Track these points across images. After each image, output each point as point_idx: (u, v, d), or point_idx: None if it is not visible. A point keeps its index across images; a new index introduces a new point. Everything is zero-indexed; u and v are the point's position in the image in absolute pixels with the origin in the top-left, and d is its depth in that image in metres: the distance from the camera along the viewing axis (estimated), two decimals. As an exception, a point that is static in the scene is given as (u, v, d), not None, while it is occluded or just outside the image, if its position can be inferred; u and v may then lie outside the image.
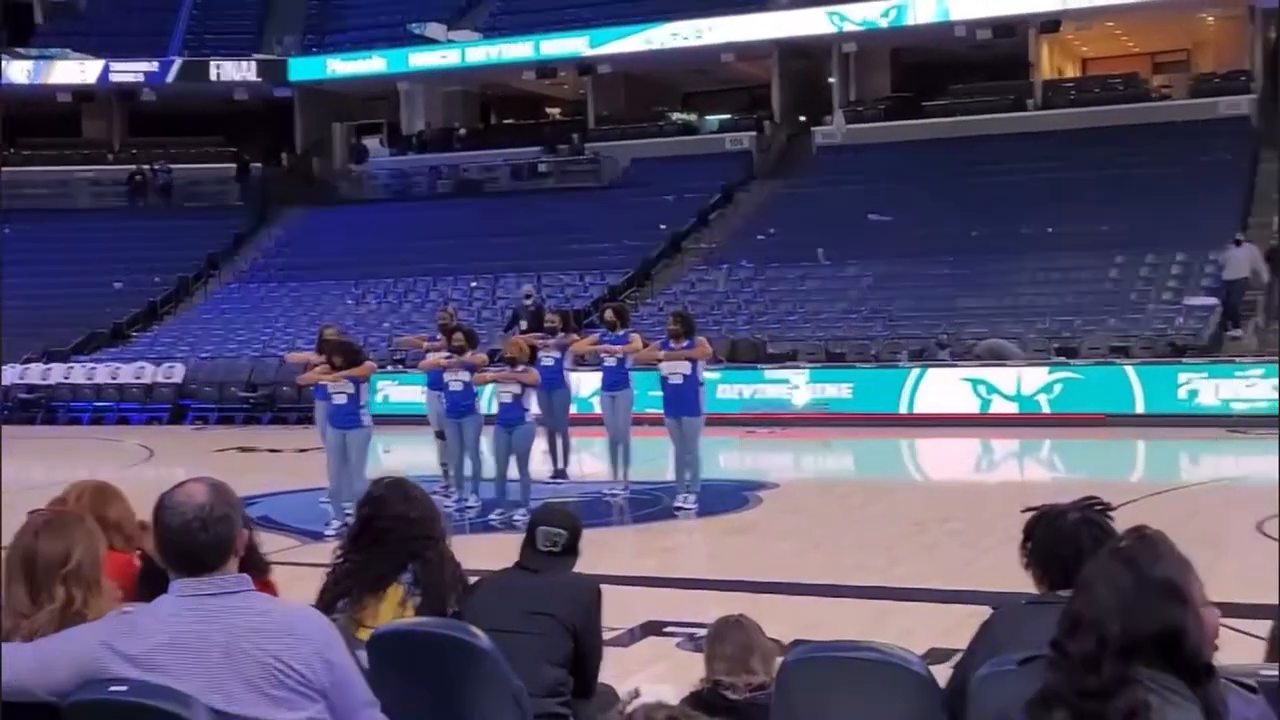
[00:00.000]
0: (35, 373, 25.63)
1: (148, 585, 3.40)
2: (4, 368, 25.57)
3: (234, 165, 35.04)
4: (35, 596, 2.99)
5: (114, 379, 24.92)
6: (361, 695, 3.02)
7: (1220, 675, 2.33)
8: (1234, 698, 2.31)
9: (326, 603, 4.14)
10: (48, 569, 3.00)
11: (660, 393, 12.21)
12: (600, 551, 10.07)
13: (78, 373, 25.45)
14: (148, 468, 17.50)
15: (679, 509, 11.90)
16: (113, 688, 2.84)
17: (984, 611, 3.71)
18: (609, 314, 13.94)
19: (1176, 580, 2.34)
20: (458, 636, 3.81)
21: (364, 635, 3.99)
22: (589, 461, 14.74)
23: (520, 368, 11.61)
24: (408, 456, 17.86)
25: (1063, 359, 20.03)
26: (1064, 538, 3.14)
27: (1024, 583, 3.30)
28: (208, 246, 32.42)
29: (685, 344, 11.95)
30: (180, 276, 31.27)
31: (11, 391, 25.07)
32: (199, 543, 2.86)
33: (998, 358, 19.90)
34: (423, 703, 3.79)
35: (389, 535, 4.25)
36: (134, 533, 3.95)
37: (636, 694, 4.58)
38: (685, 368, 11.86)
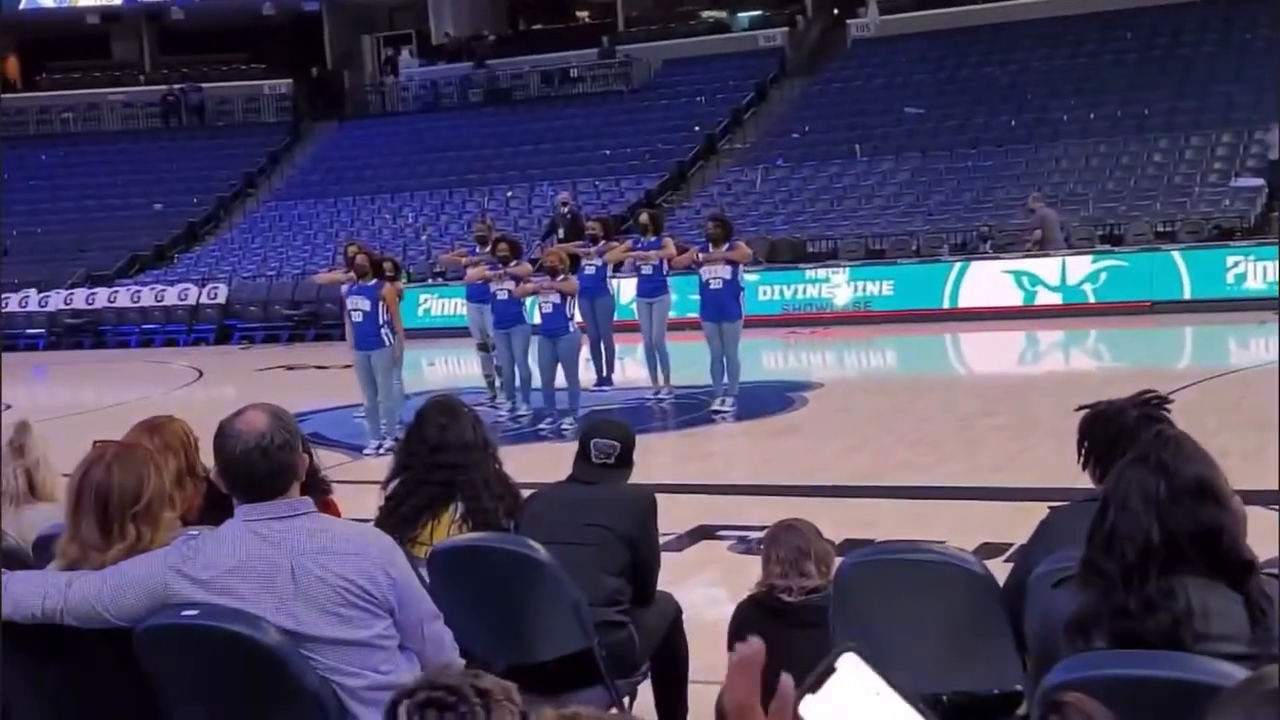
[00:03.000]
0: (80, 297, 25.84)
1: (212, 510, 3.45)
2: (50, 293, 25.85)
3: (264, 83, 34.90)
4: (107, 532, 3.04)
5: (159, 301, 25.10)
6: (426, 608, 3.08)
7: (1260, 569, 2.32)
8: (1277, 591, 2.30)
9: (385, 525, 4.19)
10: (120, 506, 3.04)
11: (698, 297, 12.19)
12: (647, 457, 10.10)
13: (123, 296, 25.63)
14: (197, 388, 17.69)
15: (716, 413, 11.92)
16: (185, 612, 2.90)
17: (1032, 507, 3.73)
18: (643, 218, 13.87)
19: (1208, 478, 2.32)
20: (515, 550, 3.87)
21: (422, 553, 4.05)
22: (631, 367, 14.78)
23: (560, 277, 11.59)
24: (451, 369, 17.98)
25: (1107, 246, 19.81)
26: (1125, 434, 3.07)
27: (1070, 477, 3.28)
28: (243, 165, 32.43)
29: (725, 247, 11.89)
30: (218, 197, 31.33)
31: (58, 317, 25.31)
32: (261, 471, 2.91)
33: (1048, 230, 19.45)
34: (483, 616, 3.85)
35: (437, 455, 4.29)
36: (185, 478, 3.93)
37: None
38: (725, 271, 11.81)
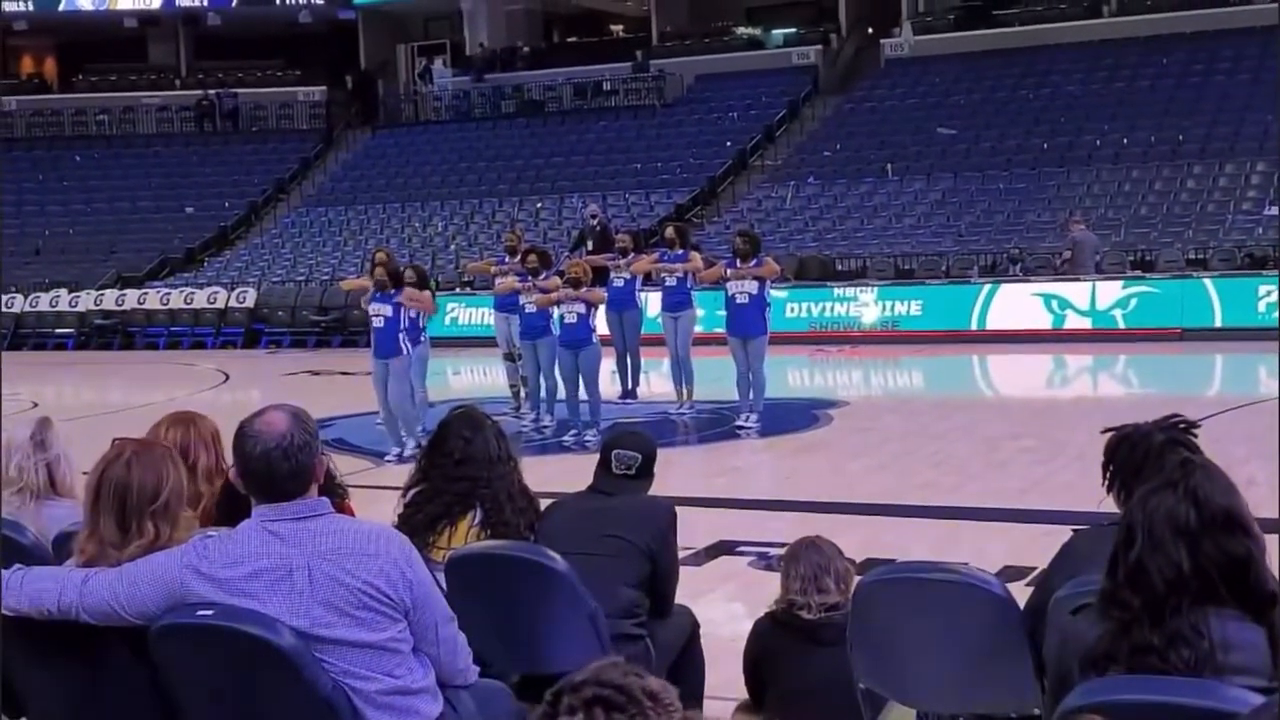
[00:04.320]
0: (110, 298, 25.98)
1: (229, 510, 3.45)
2: (80, 294, 26.02)
3: (299, 89, 35.10)
4: (125, 529, 3.04)
5: (188, 304, 25.21)
6: (441, 611, 3.07)
7: None
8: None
9: (403, 531, 4.18)
10: (139, 503, 3.04)
11: (725, 312, 12.17)
12: (669, 470, 10.09)
13: (152, 298, 25.75)
14: (224, 391, 17.77)
15: (740, 428, 11.90)
16: (200, 612, 2.90)
17: (1056, 530, 3.69)
18: (669, 232, 13.88)
19: (1237, 508, 2.27)
20: (533, 559, 3.85)
21: (439, 558, 4.05)
22: (656, 381, 14.76)
23: (584, 289, 11.59)
24: (477, 379, 18.00)
25: (1138, 272, 19.70)
26: (1150, 458, 3.03)
27: (1095, 501, 3.24)
28: (275, 171, 32.59)
29: (752, 262, 11.87)
30: (250, 201, 31.50)
31: (88, 317, 25.47)
32: (280, 471, 2.90)
33: (1080, 254, 19.38)
34: (499, 624, 3.83)
35: (458, 464, 4.28)
36: (214, 474, 3.94)
37: None
38: (752, 286, 11.79)
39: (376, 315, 11.13)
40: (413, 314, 11.44)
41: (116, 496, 3.03)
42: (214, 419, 4.04)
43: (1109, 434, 3.20)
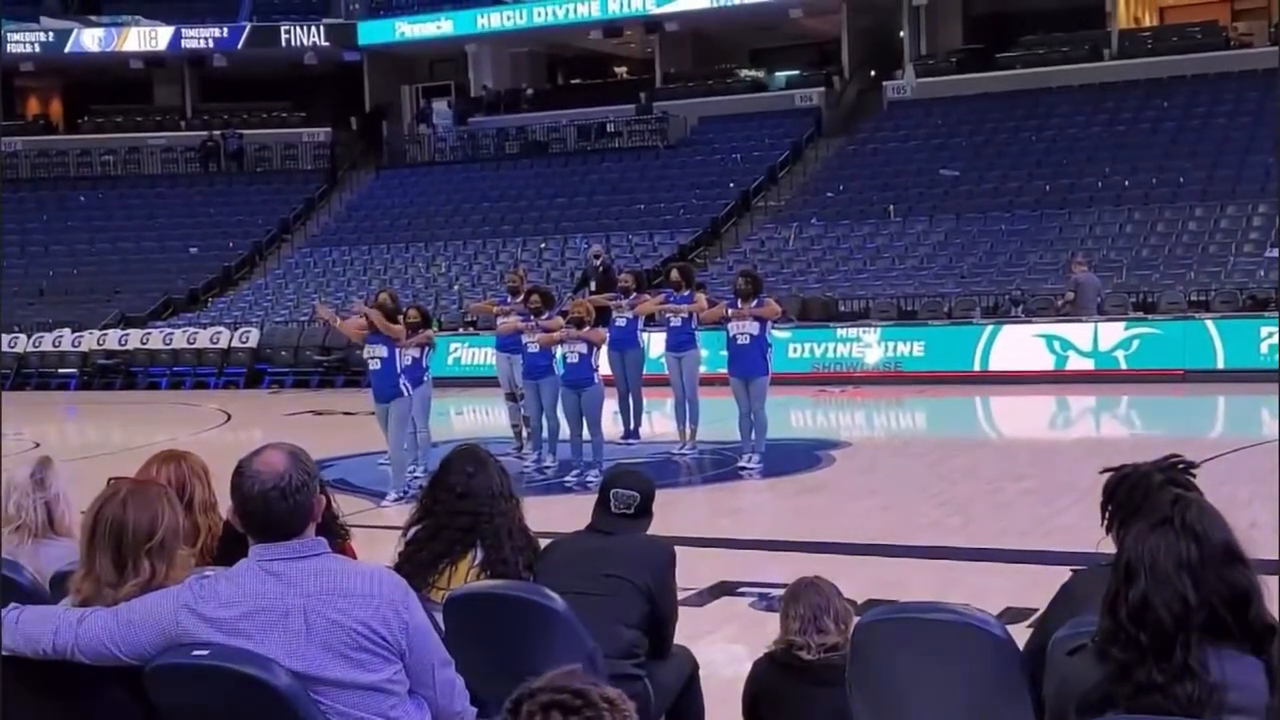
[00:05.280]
0: (113, 339, 26.02)
1: (228, 549, 3.44)
2: (84, 334, 26.06)
3: (304, 130, 35.29)
4: (121, 568, 3.03)
5: (191, 344, 25.25)
6: (437, 654, 3.05)
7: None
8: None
9: (404, 570, 4.17)
10: (135, 542, 3.03)
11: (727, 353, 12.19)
12: (671, 511, 10.09)
13: (155, 338, 25.80)
14: (225, 431, 17.75)
15: (743, 469, 11.88)
16: (195, 652, 2.89)
17: (1059, 571, 3.67)
18: (674, 273, 13.91)
19: (1234, 541, 2.28)
20: (532, 599, 3.83)
21: (439, 598, 4.03)
22: (659, 421, 14.75)
23: (586, 328, 11.61)
24: (480, 419, 18.00)
25: (1140, 314, 19.72)
26: (1150, 498, 3.03)
27: (1099, 542, 3.23)
28: (279, 211, 32.73)
29: (754, 303, 11.88)
30: (254, 241, 31.60)
31: (90, 357, 25.50)
32: (278, 511, 2.90)
33: (1082, 296, 19.42)
34: (497, 664, 3.81)
35: (460, 498, 4.28)
36: (210, 508, 3.94)
37: None
38: (753, 327, 11.80)
39: (372, 358, 11.04)
40: (415, 353, 11.44)
41: (112, 536, 3.03)
42: (215, 459, 4.05)
43: (1108, 474, 3.20)
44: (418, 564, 4.24)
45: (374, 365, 11.03)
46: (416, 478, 10.84)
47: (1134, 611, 2.23)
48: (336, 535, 3.94)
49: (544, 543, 4.45)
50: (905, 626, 3.31)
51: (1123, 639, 2.23)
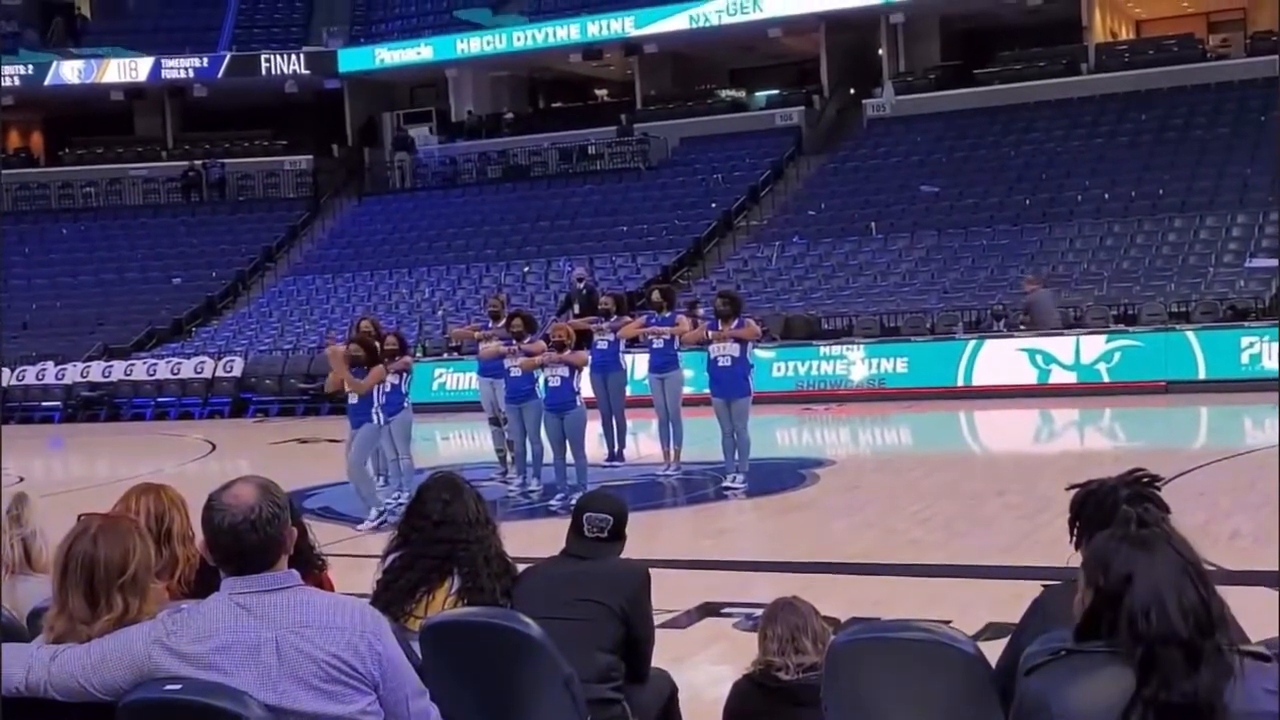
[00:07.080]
0: (97, 370, 25.97)
1: (205, 580, 3.44)
2: (67, 366, 26.00)
3: (285, 158, 35.33)
4: (94, 604, 3.03)
5: (175, 374, 25.21)
6: (411, 685, 3.05)
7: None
8: (1251, 667, 2.29)
9: (381, 599, 4.18)
10: (107, 578, 3.03)
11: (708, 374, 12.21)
12: (656, 532, 10.11)
13: (139, 369, 25.75)
14: (211, 461, 17.71)
15: (727, 489, 11.89)
16: (168, 686, 2.88)
17: (1041, 586, 3.68)
18: (655, 295, 13.95)
19: (1196, 554, 2.35)
20: (508, 625, 3.83)
21: (416, 627, 4.03)
22: (644, 443, 14.76)
23: (567, 351, 11.62)
24: (464, 444, 17.98)
25: (1122, 326, 19.80)
26: (1116, 513, 3.03)
27: (1069, 558, 3.24)
28: (262, 240, 32.73)
29: (734, 324, 11.91)
30: (237, 271, 31.59)
31: (74, 389, 25.44)
32: (248, 544, 2.90)
33: (1038, 314, 19.56)
34: (474, 691, 3.81)
35: (437, 525, 4.29)
36: (189, 539, 3.93)
37: None
38: (734, 349, 11.82)
39: (350, 392, 11.04)
40: (395, 380, 11.45)
41: (84, 571, 3.02)
42: (200, 489, 4.02)
43: (1074, 490, 3.20)
44: (395, 592, 4.24)
45: (352, 399, 11.04)
46: (401, 504, 10.81)
47: (1165, 628, 2.26)
48: (313, 565, 3.94)
49: (522, 568, 4.46)
50: (877, 645, 3.32)
51: (1149, 650, 2.25)
